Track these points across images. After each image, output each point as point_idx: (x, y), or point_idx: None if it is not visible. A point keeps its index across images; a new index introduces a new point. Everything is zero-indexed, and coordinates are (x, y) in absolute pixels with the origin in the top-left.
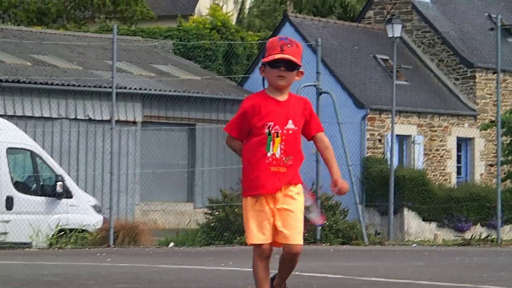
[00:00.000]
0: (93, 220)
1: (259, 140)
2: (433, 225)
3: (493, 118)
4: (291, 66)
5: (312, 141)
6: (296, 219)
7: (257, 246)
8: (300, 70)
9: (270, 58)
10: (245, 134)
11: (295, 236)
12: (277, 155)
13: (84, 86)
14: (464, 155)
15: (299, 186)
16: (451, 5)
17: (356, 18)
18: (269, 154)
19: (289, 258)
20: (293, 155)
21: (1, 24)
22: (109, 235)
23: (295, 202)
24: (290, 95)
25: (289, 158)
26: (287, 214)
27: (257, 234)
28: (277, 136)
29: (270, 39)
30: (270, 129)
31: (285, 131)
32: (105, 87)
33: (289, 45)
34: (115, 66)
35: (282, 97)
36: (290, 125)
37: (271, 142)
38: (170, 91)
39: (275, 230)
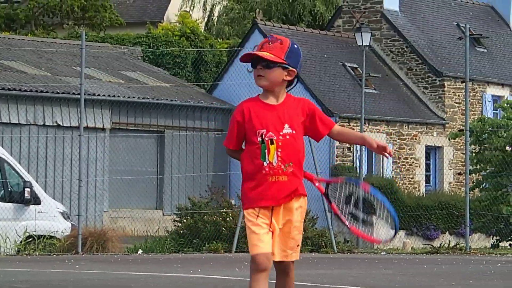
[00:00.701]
0: (62, 227)
1: (254, 150)
2: (402, 233)
3: (462, 127)
4: (270, 63)
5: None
6: (293, 234)
7: (255, 257)
8: (289, 68)
9: (243, 55)
10: (242, 142)
11: (291, 253)
12: (274, 164)
13: (53, 92)
14: (433, 164)
15: (301, 199)
16: (420, 14)
17: (325, 26)
18: (265, 164)
19: (283, 276)
20: (294, 161)
21: None
22: (78, 241)
23: (294, 216)
24: (288, 97)
25: (289, 165)
26: (285, 230)
27: (256, 244)
28: (272, 143)
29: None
30: (264, 136)
31: (281, 136)
32: (73, 93)
33: (270, 43)
34: (84, 73)
35: (277, 100)
36: (287, 129)
37: (266, 151)
38: (138, 98)
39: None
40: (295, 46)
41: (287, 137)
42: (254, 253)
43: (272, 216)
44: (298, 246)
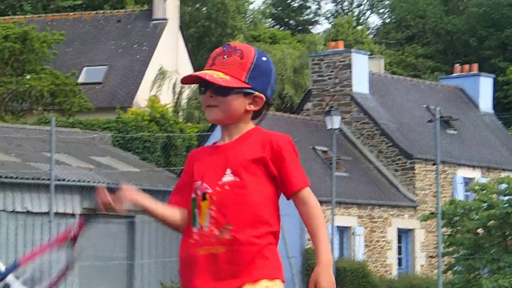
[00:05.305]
0: None
1: (188, 212)
2: None
3: (433, 209)
4: (224, 89)
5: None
6: None
7: None
8: (255, 94)
9: (185, 77)
10: (182, 198)
11: None
12: (205, 229)
13: (22, 178)
14: (405, 246)
15: (264, 283)
16: (389, 97)
17: (294, 109)
18: (195, 230)
19: None
20: (236, 223)
21: None
22: None
23: None
24: (247, 133)
25: (226, 229)
26: None
27: None
28: (204, 199)
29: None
30: (197, 190)
31: (217, 188)
32: (43, 179)
33: (226, 56)
34: (54, 158)
35: (228, 138)
36: (228, 176)
37: (197, 210)
38: (108, 183)
39: None
40: (263, 59)
41: (226, 187)
42: None
43: None
44: None
